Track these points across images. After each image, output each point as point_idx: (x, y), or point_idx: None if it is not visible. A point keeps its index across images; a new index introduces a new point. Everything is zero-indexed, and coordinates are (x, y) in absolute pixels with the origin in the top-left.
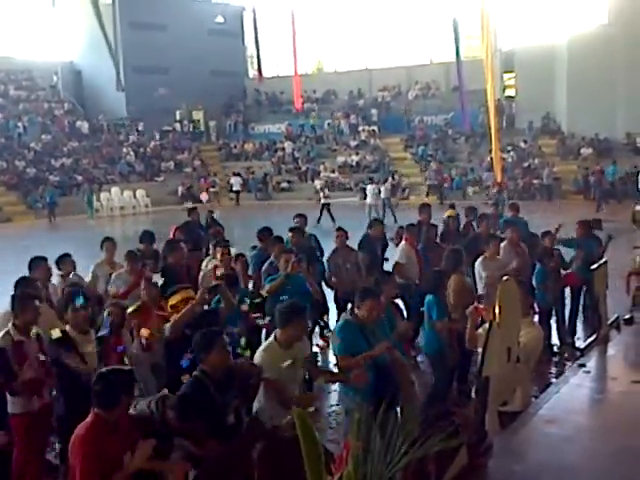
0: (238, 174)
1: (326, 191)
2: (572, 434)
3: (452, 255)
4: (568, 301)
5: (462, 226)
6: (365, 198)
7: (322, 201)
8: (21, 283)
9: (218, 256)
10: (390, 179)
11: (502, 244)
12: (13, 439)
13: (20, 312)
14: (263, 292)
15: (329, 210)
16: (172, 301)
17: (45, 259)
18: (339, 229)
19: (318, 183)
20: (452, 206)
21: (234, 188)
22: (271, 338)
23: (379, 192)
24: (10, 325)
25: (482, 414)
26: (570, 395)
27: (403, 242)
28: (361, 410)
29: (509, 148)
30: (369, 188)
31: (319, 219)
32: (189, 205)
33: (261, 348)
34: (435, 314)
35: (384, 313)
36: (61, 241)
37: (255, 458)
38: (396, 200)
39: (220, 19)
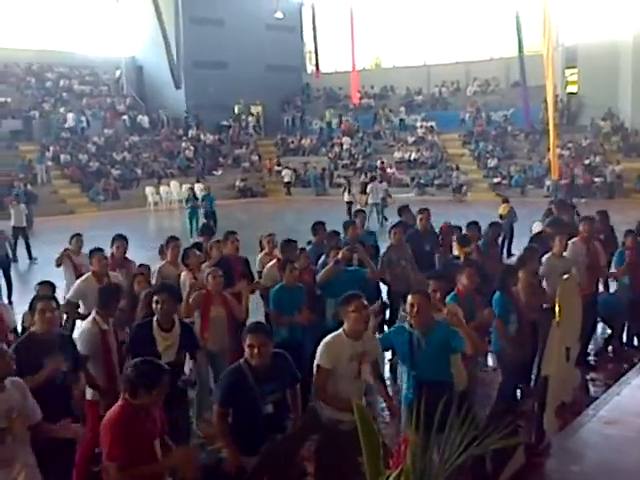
0: (287, 167)
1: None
2: (633, 436)
3: (523, 252)
4: None
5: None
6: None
7: (346, 199)
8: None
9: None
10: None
11: (571, 241)
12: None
13: (103, 307)
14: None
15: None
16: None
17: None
18: (396, 225)
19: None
20: (506, 200)
21: (285, 180)
22: (340, 329)
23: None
24: (94, 313)
25: (540, 414)
26: (631, 397)
27: None
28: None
29: (569, 145)
30: (371, 187)
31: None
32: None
33: (329, 336)
34: (497, 312)
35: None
36: (124, 233)
37: (312, 451)
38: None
39: (279, 14)
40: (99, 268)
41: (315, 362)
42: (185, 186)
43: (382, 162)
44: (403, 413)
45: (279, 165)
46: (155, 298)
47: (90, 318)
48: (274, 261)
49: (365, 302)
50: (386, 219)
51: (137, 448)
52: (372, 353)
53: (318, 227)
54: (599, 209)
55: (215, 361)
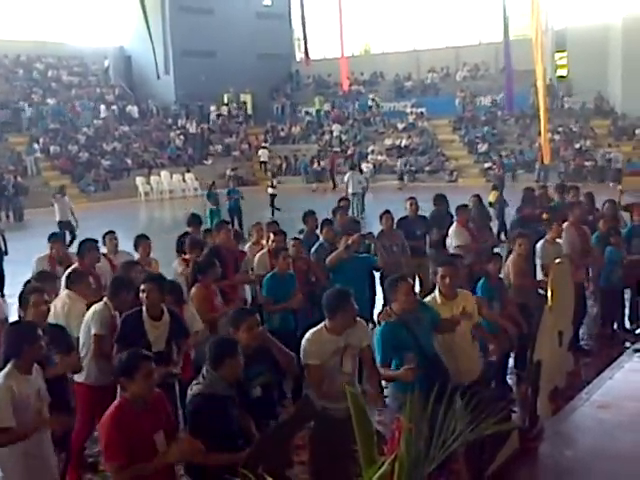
0: (264, 146)
1: (274, 181)
2: (626, 420)
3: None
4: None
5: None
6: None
7: (270, 191)
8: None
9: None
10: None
11: (564, 225)
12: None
13: (113, 295)
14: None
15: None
16: None
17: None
18: (386, 212)
19: (365, 166)
20: (495, 187)
21: (261, 159)
22: (321, 324)
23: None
24: (107, 299)
25: (534, 399)
26: (624, 381)
27: (455, 224)
28: (411, 400)
29: (559, 129)
30: (348, 176)
31: (272, 212)
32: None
33: (309, 332)
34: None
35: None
36: (116, 224)
37: (306, 438)
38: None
39: (267, 2)
40: (90, 261)
41: (302, 362)
42: (175, 176)
43: (334, 151)
44: (396, 398)
45: (266, 141)
46: (142, 288)
47: (102, 302)
48: (265, 250)
49: (355, 306)
50: (363, 210)
51: (136, 443)
52: (356, 345)
53: (309, 217)
54: (587, 191)
55: None
